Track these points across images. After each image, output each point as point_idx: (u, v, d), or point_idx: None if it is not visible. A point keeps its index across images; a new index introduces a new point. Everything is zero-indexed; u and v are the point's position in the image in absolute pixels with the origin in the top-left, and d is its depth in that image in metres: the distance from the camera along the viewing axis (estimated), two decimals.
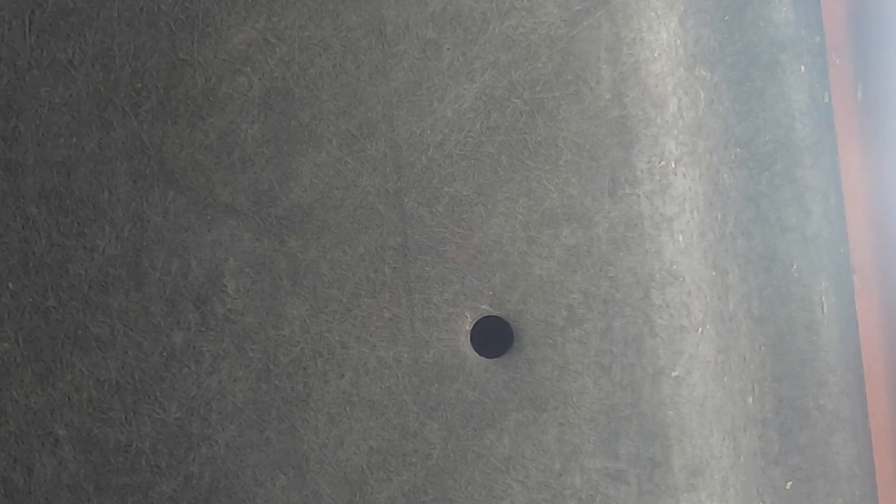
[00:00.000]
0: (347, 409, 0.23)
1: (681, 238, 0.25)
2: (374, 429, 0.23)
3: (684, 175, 0.25)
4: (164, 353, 0.21)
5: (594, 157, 0.24)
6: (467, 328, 0.23)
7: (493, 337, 0.23)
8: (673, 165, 0.25)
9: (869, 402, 0.31)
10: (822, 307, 0.28)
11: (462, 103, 0.23)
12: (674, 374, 0.24)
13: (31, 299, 0.21)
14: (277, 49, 0.22)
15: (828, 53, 0.31)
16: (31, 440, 0.21)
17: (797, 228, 0.28)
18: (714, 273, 0.27)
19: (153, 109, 0.21)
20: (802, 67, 0.30)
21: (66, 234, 0.21)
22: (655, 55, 0.25)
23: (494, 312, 0.23)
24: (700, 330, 0.25)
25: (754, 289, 0.28)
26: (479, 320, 0.23)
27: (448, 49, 0.23)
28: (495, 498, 0.24)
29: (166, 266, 0.21)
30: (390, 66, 0.22)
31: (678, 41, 0.26)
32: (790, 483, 0.27)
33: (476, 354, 0.23)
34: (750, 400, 0.26)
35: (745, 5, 0.28)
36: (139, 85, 0.21)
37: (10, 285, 0.20)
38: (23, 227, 0.20)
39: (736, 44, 0.28)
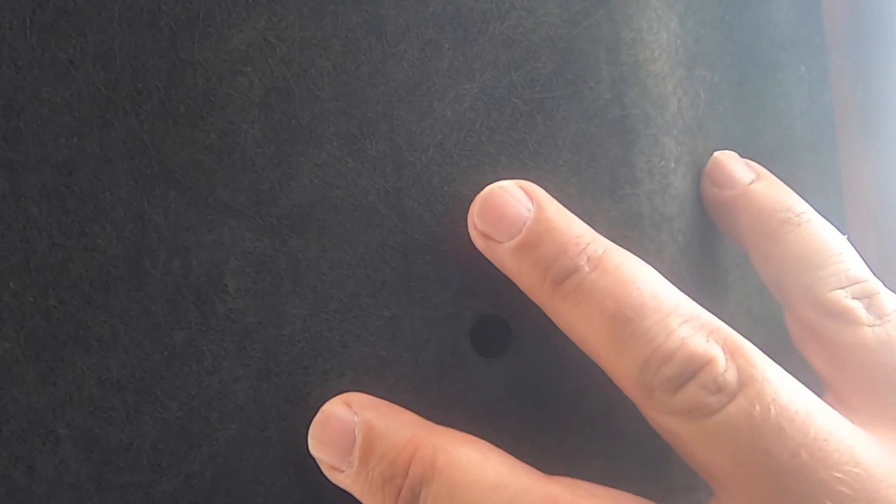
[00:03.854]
0: None
1: (681, 238, 0.25)
2: None
3: (684, 175, 0.25)
4: (165, 353, 0.21)
5: (594, 157, 0.24)
6: (467, 328, 0.23)
7: (493, 337, 0.23)
8: (673, 165, 0.25)
9: None
10: None
11: (462, 103, 0.23)
12: None
13: (32, 299, 0.21)
14: (277, 49, 0.21)
15: (828, 53, 0.31)
16: (33, 439, 0.21)
17: None
18: (714, 272, 0.27)
19: (154, 109, 0.21)
20: (802, 67, 0.30)
21: (67, 234, 0.21)
22: (655, 55, 0.24)
23: (494, 312, 0.23)
24: None
25: (754, 289, 0.28)
26: (479, 320, 0.23)
27: (448, 49, 0.23)
28: None
29: (167, 265, 0.21)
30: (390, 66, 0.22)
31: (678, 41, 0.25)
32: None
33: (476, 354, 0.23)
34: None
35: (745, 5, 0.28)
36: (140, 85, 0.21)
37: (12, 285, 0.20)
38: (24, 227, 0.20)
39: (736, 44, 0.28)
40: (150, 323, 0.21)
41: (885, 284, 0.24)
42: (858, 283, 0.23)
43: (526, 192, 0.22)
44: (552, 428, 0.23)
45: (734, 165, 0.26)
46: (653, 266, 0.21)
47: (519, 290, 0.22)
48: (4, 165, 0.20)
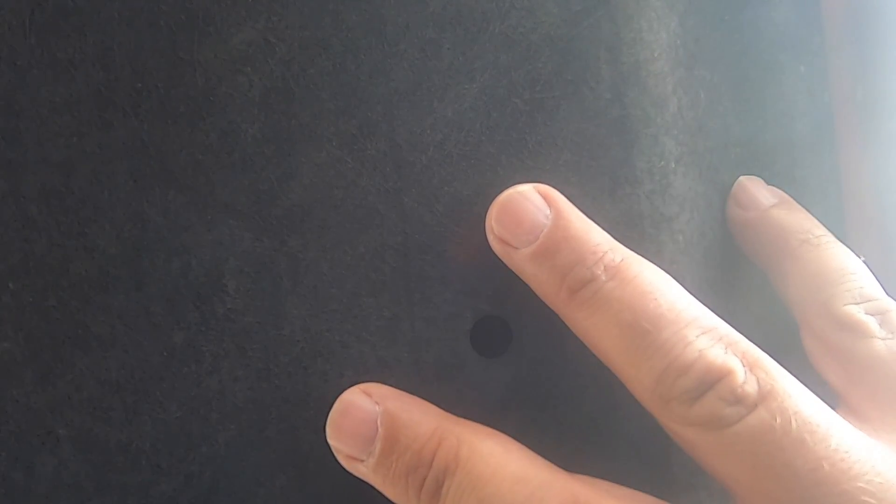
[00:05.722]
0: None
1: (681, 238, 0.25)
2: None
3: (684, 175, 0.25)
4: (165, 353, 0.21)
5: (594, 156, 0.24)
6: (467, 328, 0.23)
7: (493, 337, 0.23)
8: (673, 165, 0.25)
9: None
10: None
11: (462, 103, 0.23)
12: None
13: (31, 299, 0.21)
14: (277, 49, 0.21)
15: (828, 53, 0.31)
16: (32, 439, 0.21)
17: None
18: (714, 273, 0.27)
19: (153, 109, 0.21)
20: (802, 67, 0.30)
21: (67, 234, 0.21)
22: (655, 55, 0.24)
23: (494, 312, 0.23)
24: None
25: (754, 289, 0.28)
26: (479, 320, 0.23)
27: (448, 49, 0.23)
28: None
29: (166, 266, 0.21)
30: (390, 66, 0.22)
31: (678, 41, 0.25)
32: None
33: (476, 354, 0.23)
34: None
35: (745, 5, 0.28)
36: (139, 85, 0.21)
37: (11, 285, 0.20)
38: (23, 227, 0.20)
39: (736, 44, 0.28)
40: (149, 323, 0.21)
41: (884, 284, 0.24)
42: (872, 300, 0.24)
43: (545, 197, 0.22)
44: (552, 428, 0.23)
45: (758, 189, 0.27)
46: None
47: (519, 290, 0.22)
48: (4, 165, 0.20)
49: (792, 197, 0.27)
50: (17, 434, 0.20)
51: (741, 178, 0.27)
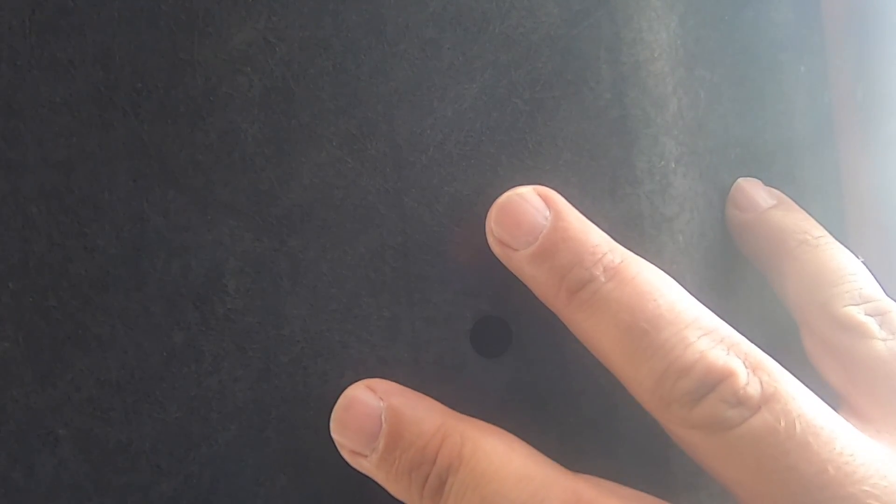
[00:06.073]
0: None
1: (681, 238, 0.25)
2: None
3: (684, 175, 0.25)
4: (165, 353, 0.21)
5: (594, 156, 0.24)
6: (467, 328, 0.23)
7: (493, 337, 0.23)
8: (673, 165, 0.25)
9: None
10: None
11: (462, 103, 0.23)
12: None
13: (31, 299, 0.20)
14: (277, 49, 0.21)
15: (828, 53, 0.31)
16: (32, 439, 0.21)
17: None
18: (714, 273, 0.27)
19: (153, 109, 0.21)
20: (802, 67, 0.30)
21: (66, 234, 0.21)
22: (655, 55, 0.24)
23: (494, 312, 0.23)
24: None
25: (754, 289, 0.28)
26: (479, 320, 0.23)
27: (448, 49, 0.23)
28: None
29: (166, 266, 0.21)
30: (390, 66, 0.22)
31: (678, 41, 0.25)
32: None
33: (476, 354, 0.23)
34: None
35: (745, 5, 0.28)
36: (139, 85, 0.21)
37: (11, 285, 0.20)
38: (23, 227, 0.20)
39: (736, 44, 0.28)
40: (149, 323, 0.21)
41: (885, 284, 0.24)
42: (872, 301, 0.24)
43: (544, 199, 0.22)
44: (552, 428, 0.23)
45: (756, 191, 0.27)
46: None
47: (519, 290, 0.22)
48: (4, 165, 0.20)
49: (791, 197, 0.27)
50: (17, 434, 0.20)
51: (739, 180, 0.27)
